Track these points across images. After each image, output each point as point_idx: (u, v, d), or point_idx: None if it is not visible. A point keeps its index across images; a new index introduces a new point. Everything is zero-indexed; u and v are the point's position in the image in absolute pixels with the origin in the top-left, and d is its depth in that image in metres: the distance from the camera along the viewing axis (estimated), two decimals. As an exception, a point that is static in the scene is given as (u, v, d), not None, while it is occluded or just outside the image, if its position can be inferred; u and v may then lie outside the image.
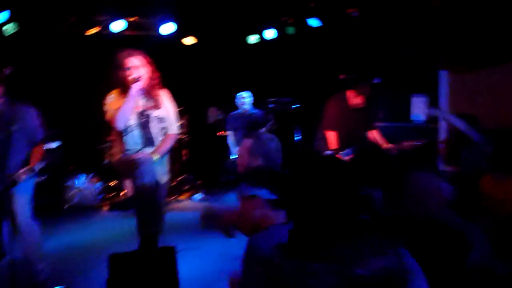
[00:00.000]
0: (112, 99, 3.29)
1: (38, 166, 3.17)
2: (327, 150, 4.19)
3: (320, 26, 6.09)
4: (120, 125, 3.22)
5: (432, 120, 5.00)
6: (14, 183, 3.08)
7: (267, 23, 6.72)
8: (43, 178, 5.60)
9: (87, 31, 6.14)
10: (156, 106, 3.33)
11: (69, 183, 5.83)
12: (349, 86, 4.27)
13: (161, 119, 3.34)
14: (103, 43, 6.38)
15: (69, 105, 6.38)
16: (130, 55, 3.24)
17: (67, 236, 4.75)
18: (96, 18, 6.16)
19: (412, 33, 5.27)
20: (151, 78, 3.29)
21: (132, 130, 3.27)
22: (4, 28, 5.53)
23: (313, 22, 6.07)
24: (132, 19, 6.36)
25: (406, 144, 4.08)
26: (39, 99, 4.64)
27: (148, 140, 3.31)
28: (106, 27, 6.17)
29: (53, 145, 5.72)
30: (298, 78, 7.02)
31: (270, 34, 6.76)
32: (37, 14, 5.79)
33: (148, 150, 3.28)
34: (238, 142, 5.54)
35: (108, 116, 3.27)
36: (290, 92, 7.18)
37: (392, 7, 5.22)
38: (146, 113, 3.30)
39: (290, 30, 6.59)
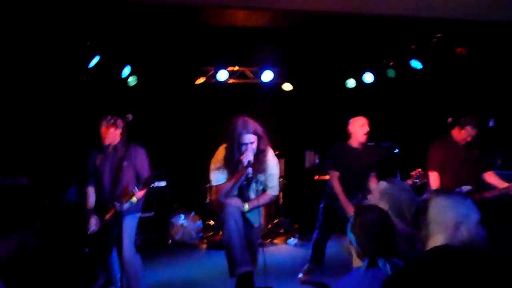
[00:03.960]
0: (219, 168, 3.30)
1: (140, 204, 3.41)
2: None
3: (422, 68, 5.86)
4: (222, 199, 3.28)
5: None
6: (117, 214, 3.35)
7: (366, 67, 6.68)
8: (150, 214, 6.08)
9: (197, 80, 6.69)
10: (260, 171, 3.35)
11: (173, 220, 6.19)
12: (454, 124, 4.01)
13: (261, 182, 3.41)
14: (211, 91, 6.93)
15: (177, 147, 6.92)
16: (246, 129, 3.22)
17: (168, 270, 4.98)
18: (203, 68, 6.72)
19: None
20: (261, 150, 3.31)
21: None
22: (128, 80, 6.31)
23: (416, 64, 5.87)
24: (235, 68, 6.82)
25: None
26: (153, 142, 5.13)
27: (244, 199, 3.39)
28: (213, 76, 6.70)
29: (160, 184, 6.22)
30: (400, 122, 6.76)
31: (369, 77, 6.69)
32: (154, 67, 6.51)
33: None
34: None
35: (212, 193, 3.37)
36: (391, 136, 6.93)
37: (501, 42, 4.84)
38: (249, 176, 3.31)
39: (391, 73, 6.45)
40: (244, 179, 3.30)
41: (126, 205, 3.35)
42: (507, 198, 3.84)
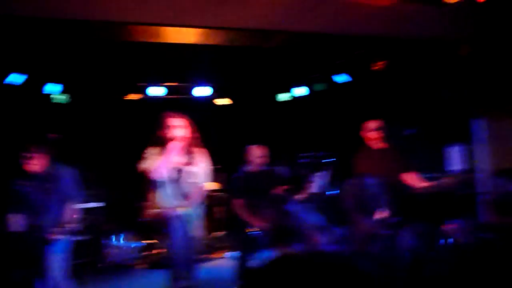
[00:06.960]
0: (152, 153, 3.47)
1: (73, 228, 3.31)
2: None
3: (350, 81, 6.24)
4: (155, 176, 3.38)
5: (468, 171, 4.87)
6: (48, 241, 3.25)
7: (296, 82, 6.97)
8: (85, 238, 5.82)
9: (129, 96, 6.59)
10: (191, 163, 3.48)
11: (107, 241, 5.98)
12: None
13: (194, 175, 3.48)
14: (145, 107, 6.84)
15: (111, 166, 6.71)
16: (172, 116, 3.49)
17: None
18: (138, 84, 6.65)
19: (444, 82, 5.30)
20: (189, 138, 3.49)
21: (166, 185, 3.40)
22: (59, 98, 6.06)
23: (340, 79, 6.25)
24: (170, 84, 6.82)
25: (445, 180, 3.94)
26: (84, 162, 4.94)
27: (181, 196, 3.44)
28: (146, 92, 6.64)
29: (96, 205, 5.99)
30: (331, 132, 7.08)
31: (299, 91, 7.02)
32: (86, 85, 6.32)
33: (181, 205, 3.40)
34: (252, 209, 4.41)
35: (144, 167, 3.43)
36: (324, 146, 7.23)
37: (420, 58, 5.30)
38: (180, 169, 3.45)
39: (318, 87, 6.79)
40: (175, 174, 3.39)
41: (59, 237, 3.28)
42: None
